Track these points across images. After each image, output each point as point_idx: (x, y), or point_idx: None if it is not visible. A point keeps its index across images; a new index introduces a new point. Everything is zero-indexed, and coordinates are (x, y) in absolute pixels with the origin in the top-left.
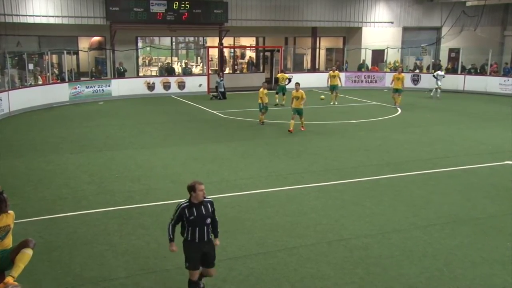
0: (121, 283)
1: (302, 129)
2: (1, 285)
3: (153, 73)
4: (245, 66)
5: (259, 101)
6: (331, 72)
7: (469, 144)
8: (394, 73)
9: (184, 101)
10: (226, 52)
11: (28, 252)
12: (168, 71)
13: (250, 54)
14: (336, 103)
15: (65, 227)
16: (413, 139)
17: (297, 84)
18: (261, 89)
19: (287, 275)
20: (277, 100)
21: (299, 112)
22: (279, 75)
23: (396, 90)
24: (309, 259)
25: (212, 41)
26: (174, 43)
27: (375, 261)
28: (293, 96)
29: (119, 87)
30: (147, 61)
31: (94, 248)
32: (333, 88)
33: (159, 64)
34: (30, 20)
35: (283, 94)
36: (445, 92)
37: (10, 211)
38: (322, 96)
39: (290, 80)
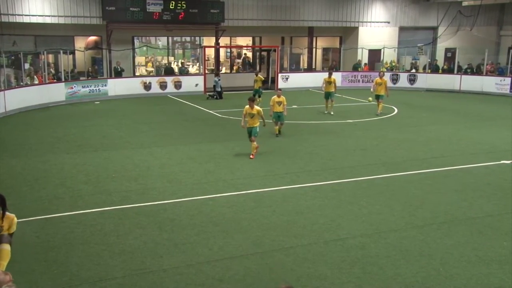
0: (118, 283)
1: (251, 156)
2: None
3: (150, 73)
4: (237, 67)
5: (271, 108)
6: (326, 77)
7: (465, 144)
8: (376, 78)
9: (180, 101)
10: (222, 51)
11: (5, 248)
12: (167, 71)
13: (247, 54)
14: (332, 112)
15: (62, 227)
16: (410, 139)
17: (250, 100)
18: (274, 97)
19: (284, 274)
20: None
21: (251, 132)
22: (258, 77)
23: (378, 96)
24: (306, 258)
25: (209, 40)
26: (170, 43)
27: (371, 261)
28: (247, 113)
29: (116, 87)
30: (152, 63)
31: (91, 248)
32: (329, 95)
33: (156, 64)
34: (26, 19)
35: (259, 96)
36: (442, 92)
37: (10, 214)
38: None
39: (263, 82)
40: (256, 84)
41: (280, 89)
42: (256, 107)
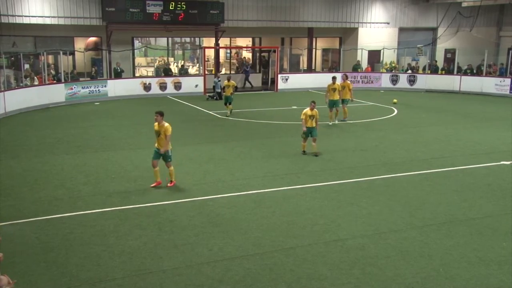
0: (117, 283)
1: (170, 184)
2: None
3: (149, 74)
4: (235, 68)
5: (303, 123)
6: (330, 84)
7: (465, 145)
8: (341, 82)
9: (180, 102)
10: (221, 52)
11: None
12: (164, 71)
13: (245, 54)
14: (336, 121)
15: (61, 228)
16: (409, 140)
17: (158, 114)
18: (306, 110)
19: (283, 275)
20: (229, 112)
21: (163, 156)
22: (230, 82)
23: (343, 101)
24: (306, 259)
25: (209, 41)
26: (170, 44)
27: (371, 261)
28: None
29: (115, 88)
30: (163, 62)
31: (91, 249)
32: (333, 104)
33: (159, 64)
34: (26, 20)
35: (229, 103)
36: (441, 92)
37: None
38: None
39: (237, 88)
40: (227, 91)
41: (314, 102)
42: (165, 124)
